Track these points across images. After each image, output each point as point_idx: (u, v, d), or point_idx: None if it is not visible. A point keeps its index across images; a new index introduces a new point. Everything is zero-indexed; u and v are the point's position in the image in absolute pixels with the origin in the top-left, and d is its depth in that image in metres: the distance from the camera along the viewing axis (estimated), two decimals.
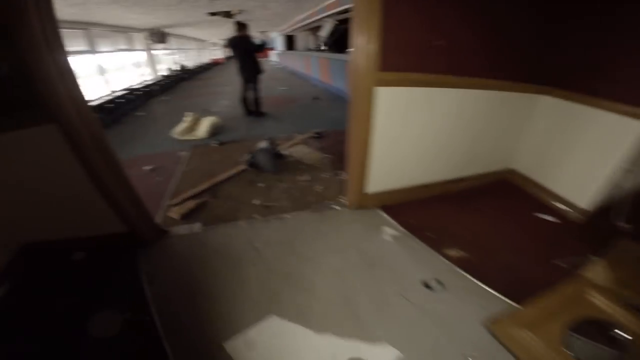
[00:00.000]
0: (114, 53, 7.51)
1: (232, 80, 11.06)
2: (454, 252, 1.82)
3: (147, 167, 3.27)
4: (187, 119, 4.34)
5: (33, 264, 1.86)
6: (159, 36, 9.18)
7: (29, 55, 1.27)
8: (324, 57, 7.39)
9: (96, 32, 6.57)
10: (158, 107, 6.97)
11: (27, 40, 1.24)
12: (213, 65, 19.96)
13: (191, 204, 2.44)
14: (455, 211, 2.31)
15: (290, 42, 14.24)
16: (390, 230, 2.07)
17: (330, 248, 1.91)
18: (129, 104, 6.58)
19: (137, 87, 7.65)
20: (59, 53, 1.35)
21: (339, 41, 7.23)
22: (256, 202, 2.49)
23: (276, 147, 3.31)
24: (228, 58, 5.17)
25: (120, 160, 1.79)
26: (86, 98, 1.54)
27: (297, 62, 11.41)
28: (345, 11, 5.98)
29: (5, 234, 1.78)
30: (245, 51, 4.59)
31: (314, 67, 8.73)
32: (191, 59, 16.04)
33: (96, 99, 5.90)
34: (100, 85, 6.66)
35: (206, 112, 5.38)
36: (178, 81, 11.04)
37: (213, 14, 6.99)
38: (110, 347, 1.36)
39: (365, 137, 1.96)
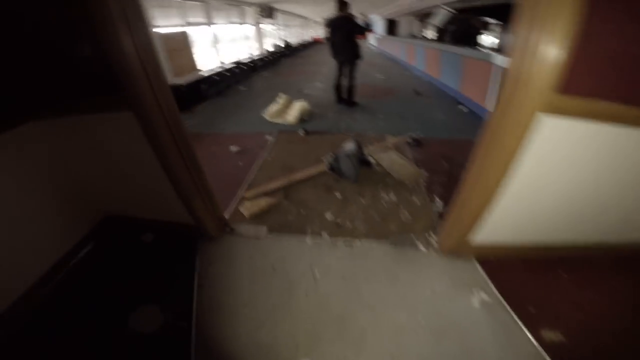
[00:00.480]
0: (227, 26, 8.02)
1: (329, 60, 10.85)
2: (551, 336, 1.33)
3: (234, 148, 3.31)
4: (280, 101, 4.27)
5: (110, 236, 1.99)
6: (267, 11, 9.48)
7: (107, 36, 1.14)
8: (434, 48, 6.43)
9: (213, 4, 7.04)
10: (258, 83, 7.26)
11: (103, 18, 1.10)
12: (314, 43, 20.22)
13: (263, 202, 2.30)
14: (578, 283, 1.62)
15: (391, 26, 13.34)
16: (481, 293, 1.56)
17: (399, 299, 1.53)
18: (234, 77, 7.00)
19: (243, 61, 8.09)
20: (141, 34, 1.21)
21: (457, 32, 6.18)
22: (329, 216, 2.18)
23: (363, 151, 2.89)
24: (328, 39, 4.84)
25: (196, 154, 1.72)
26: (168, 84, 1.45)
27: (398, 49, 10.47)
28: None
29: (91, 204, 1.91)
30: (346, 33, 4.12)
31: (418, 57, 7.79)
32: (294, 36, 16.45)
33: (206, 70, 6.40)
34: (212, 57, 7.22)
35: (299, 94, 5.30)
36: (280, 57, 11.42)
37: None
38: (141, 344, 1.34)
39: (497, 177, 1.39)
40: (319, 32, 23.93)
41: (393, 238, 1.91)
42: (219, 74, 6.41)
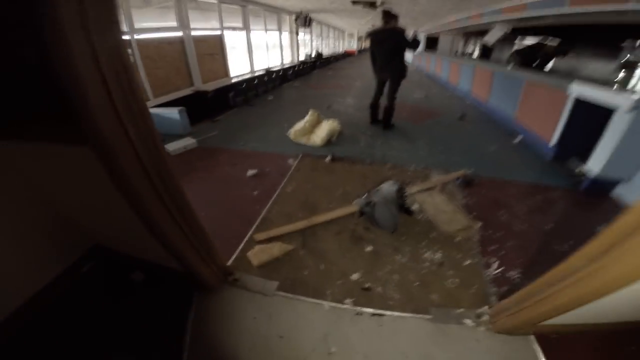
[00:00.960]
0: (263, 32, 7.80)
1: (362, 75, 10.51)
2: None
3: (251, 172, 2.88)
4: (307, 118, 3.80)
5: (97, 267, 1.78)
6: (304, 20, 9.21)
7: (53, 40, 0.70)
8: (486, 69, 5.75)
9: (252, 9, 6.83)
10: (287, 94, 6.92)
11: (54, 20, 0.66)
12: (346, 55, 19.96)
13: (276, 249, 1.87)
14: None
15: (430, 43, 13.23)
16: None
17: None
18: (264, 86, 6.72)
19: (274, 69, 7.82)
20: (107, 40, 0.76)
21: (522, 54, 5.53)
22: (354, 275, 1.74)
23: (405, 196, 2.32)
24: (371, 53, 4.36)
25: (187, 200, 1.30)
26: (147, 109, 0.98)
27: (438, 66, 9.83)
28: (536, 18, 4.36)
29: (75, 231, 1.67)
30: (393, 48, 3.66)
31: (463, 77, 7.11)
32: (327, 47, 16.26)
33: (236, 77, 6.14)
34: (245, 63, 6.98)
35: (329, 111, 4.84)
36: (312, 68, 11.13)
37: (355, 2, 6.32)
38: None
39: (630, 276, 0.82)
40: (352, 44, 23.79)
41: (435, 312, 1.51)
42: (248, 81, 6.13)
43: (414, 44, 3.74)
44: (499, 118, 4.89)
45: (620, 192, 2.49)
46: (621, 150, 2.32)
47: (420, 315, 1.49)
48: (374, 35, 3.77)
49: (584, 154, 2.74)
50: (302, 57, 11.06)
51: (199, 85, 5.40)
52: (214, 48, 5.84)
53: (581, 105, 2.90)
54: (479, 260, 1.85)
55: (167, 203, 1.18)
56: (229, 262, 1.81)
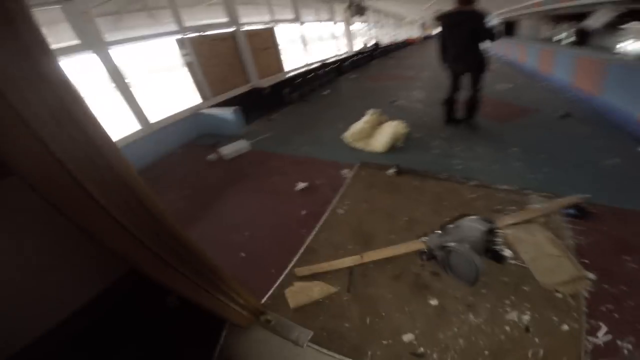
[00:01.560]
0: (315, 24, 7.40)
1: (429, 64, 9.43)
2: None
3: (300, 185, 2.54)
4: (367, 119, 3.30)
5: (135, 288, 1.65)
6: (358, 9, 8.53)
7: None
8: (592, 57, 4.49)
9: (302, 1, 6.46)
10: (344, 87, 6.45)
11: None
12: (407, 44, 18.46)
13: (316, 291, 1.61)
14: None
15: (508, 28, 11.76)
16: None
17: None
18: (319, 80, 6.37)
19: (329, 61, 7.39)
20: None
21: None
22: (407, 337, 1.41)
23: (495, 236, 1.73)
24: (440, 39, 3.68)
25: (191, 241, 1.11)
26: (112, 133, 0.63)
27: (521, 53, 8.32)
28: None
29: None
30: (470, 34, 3.01)
31: (560, 65, 5.76)
32: (386, 36, 15.19)
33: (291, 72, 5.87)
34: (299, 56, 6.68)
35: (391, 107, 4.24)
36: (369, 58, 10.40)
37: None
38: None
39: None
40: (413, 33, 21.97)
41: None
42: (303, 75, 5.81)
43: (493, 35, 3.03)
44: (617, 118, 3.74)
45: None
46: None
47: None
48: (446, 18, 3.15)
49: None
50: (358, 47, 10.40)
51: (255, 81, 5.25)
52: (267, 42, 5.63)
53: None
54: (581, 326, 1.38)
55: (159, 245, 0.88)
56: (264, 299, 1.65)
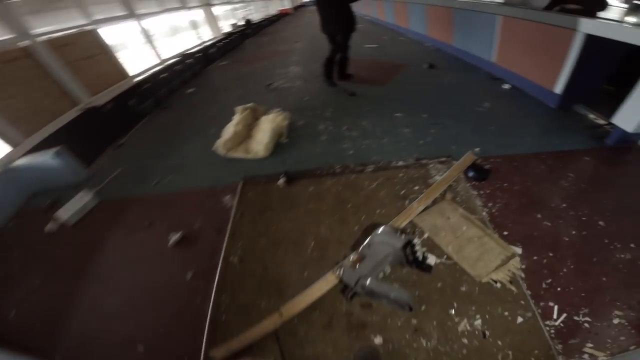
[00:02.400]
0: (163, 15, 6.03)
1: (304, 33, 9.08)
2: None
3: (173, 238, 1.82)
4: (237, 119, 2.66)
5: None
6: None
7: None
8: (441, 4, 4.75)
9: None
10: (214, 78, 5.49)
11: None
12: (281, 16, 17.77)
13: None
14: None
15: None
16: None
17: None
18: (180, 76, 5.23)
19: (191, 51, 6.22)
20: None
21: None
22: None
23: (415, 250, 1.48)
24: (316, 5, 3.47)
25: None
26: None
27: (380, 10, 8.68)
28: None
29: None
30: None
31: (413, 18, 6.09)
32: (257, 12, 14.16)
33: (138, 76, 4.62)
34: (148, 56, 5.34)
35: (269, 93, 3.68)
36: (242, 38, 9.40)
37: None
38: None
39: None
40: (285, 3, 21.31)
41: None
42: (153, 77, 4.64)
43: None
44: (473, 61, 4.04)
45: None
46: None
47: None
48: None
49: (590, 98, 2.48)
50: (227, 29, 9.25)
51: (87, 99, 3.89)
52: (91, 48, 4.22)
53: (593, 45, 2.22)
54: (534, 312, 1.30)
55: None
56: None
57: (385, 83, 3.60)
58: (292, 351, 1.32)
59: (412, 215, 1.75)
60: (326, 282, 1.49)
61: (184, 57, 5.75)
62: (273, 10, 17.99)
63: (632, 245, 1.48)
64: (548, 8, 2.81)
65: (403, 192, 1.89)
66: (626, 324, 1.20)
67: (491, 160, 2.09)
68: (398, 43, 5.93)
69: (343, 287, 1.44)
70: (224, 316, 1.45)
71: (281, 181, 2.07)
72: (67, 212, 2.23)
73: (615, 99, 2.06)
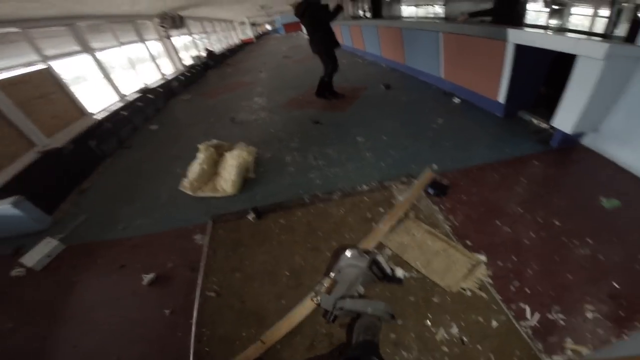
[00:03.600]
0: (120, 48, 5.97)
1: (266, 63, 9.29)
2: None
3: (147, 278, 1.84)
4: (202, 158, 2.66)
5: None
6: (172, 21, 7.50)
7: None
8: (392, 26, 5.15)
9: (85, 26, 5.03)
10: (176, 113, 5.44)
11: None
12: (243, 45, 18.11)
13: None
14: None
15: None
16: None
17: None
18: (141, 113, 5.13)
19: (152, 86, 6.17)
20: None
21: None
22: None
23: (381, 267, 1.56)
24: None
25: None
26: None
27: (337, 32, 9.18)
28: None
29: None
30: (313, 20, 3.60)
31: (368, 40, 6.51)
32: (218, 42, 14.35)
33: (101, 111, 4.49)
34: (106, 92, 5.23)
35: (234, 127, 3.73)
36: (204, 70, 9.46)
37: None
38: None
39: None
40: (247, 32, 21.80)
41: None
42: (115, 114, 4.53)
43: (334, 14, 3.58)
44: (425, 77, 4.37)
45: (588, 141, 2.24)
46: (591, 103, 1.95)
47: None
48: (295, 10, 3.71)
49: (531, 103, 2.68)
50: (189, 62, 9.28)
51: (44, 141, 3.72)
52: (44, 86, 4.08)
53: (524, 53, 2.43)
54: (507, 315, 1.36)
55: None
56: None
57: (346, 108, 3.79)
58: None
59: (379, 236, 1.82)
60: (304, 308, 1.52)
61: (145, 92, 5.68)
62: (235, 39, 18.34)
63: (589, 240, 1.58)
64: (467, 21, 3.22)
65: (369, 215, 1.98)
66: (601, 317, 1.26)
67: (449, 175, 2.22)
68: (357, 66, 6.28)
69: (324, 312, 1.48)
70: (207, 348, 1.44)
71: (251, 217, 2.08)
72: (33, 258, 2.13)
73: (554, 102, 2.16)
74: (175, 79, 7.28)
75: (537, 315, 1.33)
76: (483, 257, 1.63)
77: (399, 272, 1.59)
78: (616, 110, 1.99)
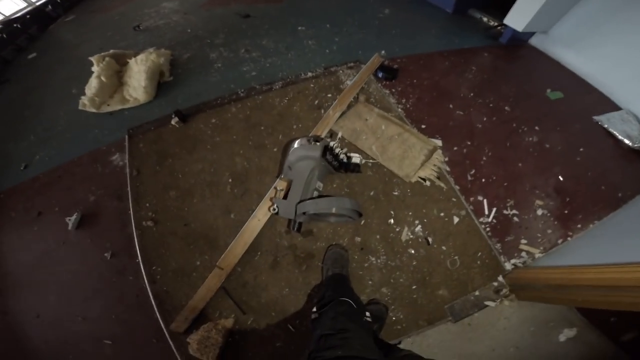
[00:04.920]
0: None
1: None
2: None
3: (71, 220, 1.48)
4: (98, 70, 2.04)
5: None
6: None
7: None
8: None
9: None
10: (60, 36, 4.20)
11: None
12: None
13: (215, 335, 1.10)
14: None
15: None
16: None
17: None
18: (9, 45, 3.87)
19: (16, 15, 4.63)
20: None
21: None
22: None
23: (336, 153, 1.38)
24: None
25: None
26: None
27: None
28: None
29: None
30: None
31: None
32: None
33: None
34: None
35: (140, 32, 2.99)
36: None
37: None
38: None
39: None
40: None
41: (449, 309, 1.15)
42: None
43: None
44: None
45: (536, 42, 2.26)
46: (546, 5, 1.93)
47: (439, 323, 1.13)
48: None
49: (482, 2, 2.56)
50: None
51: None
52: None
53: None
54: (466, 209, 1.35)
55: None
56: None
57: None
58: (248, 302, 1.20)
59: (330, 124, 1.63)
60: (257, 220, 1.33)
61: (6, 24, 4.23)
62: None
63: (536, 127, 1.61)
64: None
65: (317, 102, 1.74)
66: (548, 214, 1.30)
67: (398, 61, 2.07)
68: None
69: (288, 222, 1.32)
70: (164, 287, 1.26)
71: (174, 121, 1.69)
72: None
73: (507, 3, 2.13)
74: (48, 2, 5.51)
75: (493, 211, 1.34)
76: (439, 142, 1.58)
77: (356, 159, 1.44)
78: (568, 17, 2.03)
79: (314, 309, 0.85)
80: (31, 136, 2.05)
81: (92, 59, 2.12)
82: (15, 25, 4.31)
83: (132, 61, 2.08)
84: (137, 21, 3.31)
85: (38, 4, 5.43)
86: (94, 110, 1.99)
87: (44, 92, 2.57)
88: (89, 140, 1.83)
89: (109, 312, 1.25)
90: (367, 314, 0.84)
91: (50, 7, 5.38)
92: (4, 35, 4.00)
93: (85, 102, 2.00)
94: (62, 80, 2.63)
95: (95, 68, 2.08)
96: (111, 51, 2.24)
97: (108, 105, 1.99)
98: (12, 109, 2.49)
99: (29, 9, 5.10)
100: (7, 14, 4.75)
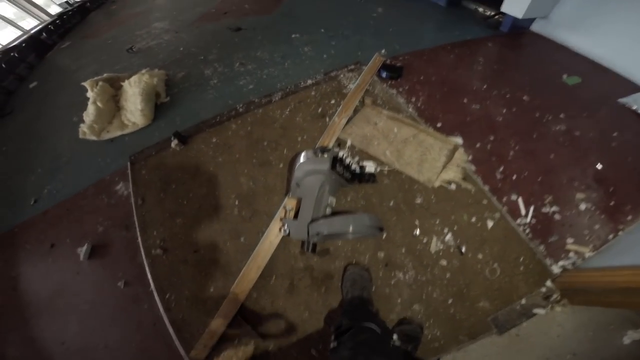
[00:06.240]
0: None
1: None
2: None
3: (82, 251, 1.45)
4: (93, 96, 2.00)
5: None
6: None
7: None
8: None
9: None
10: (57, 63, 4.23)
11: None
12: None
13: None
14: None
15: None
16: None
17: None
18: (10, 75, 3.89)
19: (13, 44, 4.69)
20: None
21: None
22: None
23: (348, 164, 1.31)
24: None
25: None
26: None
27: None
28: None
29: None
30: None
31: None
32: None
33: None
34: None
35: (132, 56, 2.96)
36: (82, 15, 7.38)
37: None
38: None
39: None
40: None
41: (494, 321, 1.03)
42: None
43: None
44: None
45: (538, 28, 2.16)
46: None
47: (482, 337, 1.02)
48: None
49: None
50: (56, 9, 7.08)
51: None
52: None
53: None
54: (500, 211, 1.21)
55: None
56: None
57: (272, 10, 3.12)
58: (267, 328, 1.12)
59: (337, 132, 1.55)
60: (269, 242, 1.25)
61: (5, 53, 4.27)
62: None
63: (561, 115, 1.51)
64: None
65: (320, 109, 1.67)
66: (593, 208, 1.18)
67: (400, 59, 1.99)
68: None
69: (301, 243, 1.23)
70: (180, 315, 1.19)
71: (174, 144, 1.63)
72: None
73: None
74: (42, 30, 5.56)
75: (531, 210, 1.21)
76: (459, 140, 1.46)
77: (369, 167, 1.35)
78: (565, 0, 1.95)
79: (333, 337, 0.78)
80: (39, 169, 2.02)
81: (85, 84, 2.08)
82: (12, 54, 4.35)
83: (125, 84, 2.04)
84: (130, 43, 3.29)
85: (32, 32, 5.50)
86: (94, 138, 1.95)
87: (46, 122, 2.56)
88: (93, 170, 1.79)
89: (129, 340, 1.21)
90: (395, 336, 0.75)
91: (44, 34, 5.44)
92: (3, 65, 4.03)
93: (85, 130, 1.96)
94: (63, 108, 2.62)
95: (90, 94, 2.04)
96: (104, 75, 2.20)
97: (107, 132, 1.94)
98: (18, 141, 2.48)
99: (24, 37, 5.17)
100: (4, 43, 4.80)
